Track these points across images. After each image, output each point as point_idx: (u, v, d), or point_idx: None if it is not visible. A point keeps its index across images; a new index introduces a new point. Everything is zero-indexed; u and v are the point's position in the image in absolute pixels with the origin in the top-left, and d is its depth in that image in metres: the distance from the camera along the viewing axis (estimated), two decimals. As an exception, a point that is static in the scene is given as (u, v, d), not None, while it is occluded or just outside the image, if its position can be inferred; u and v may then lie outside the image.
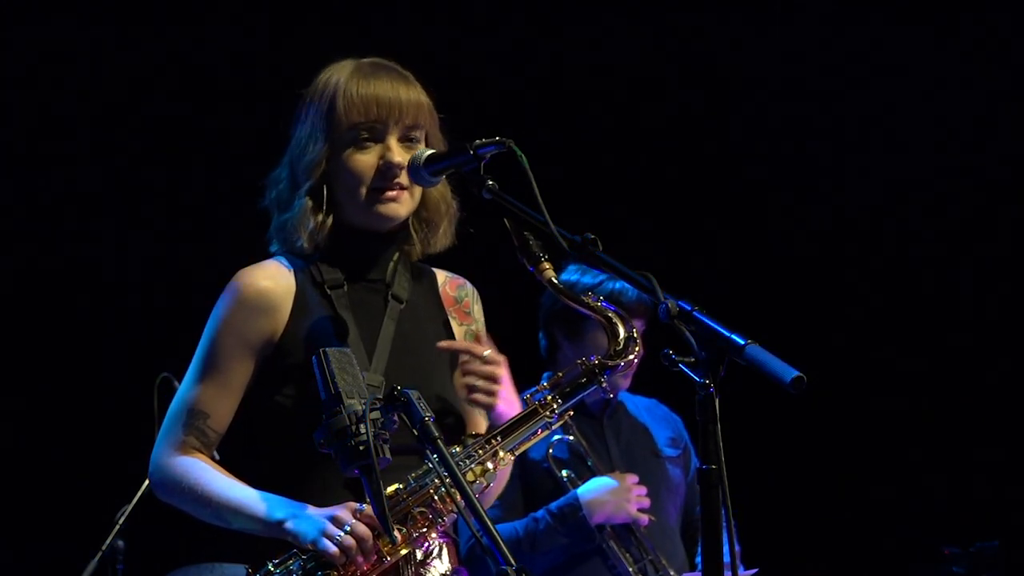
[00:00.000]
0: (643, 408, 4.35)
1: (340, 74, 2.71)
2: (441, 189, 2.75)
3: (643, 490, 4.01)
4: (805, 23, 5.69)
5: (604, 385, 2.60)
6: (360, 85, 2.67)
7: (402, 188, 2.66)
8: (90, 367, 5.04)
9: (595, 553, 4.02)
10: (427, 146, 2.70)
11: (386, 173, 2.65)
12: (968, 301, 5.83)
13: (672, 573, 4.04)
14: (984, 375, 5.79)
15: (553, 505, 4.01)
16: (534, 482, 4.08)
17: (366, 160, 2.66)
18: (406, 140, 2.68)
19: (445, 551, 2.63)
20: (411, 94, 2.69)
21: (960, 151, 5.71)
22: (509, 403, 2.64)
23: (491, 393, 2.61)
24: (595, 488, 3.99)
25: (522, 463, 4.01)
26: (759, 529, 4.35)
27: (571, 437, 4.09)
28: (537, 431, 2.59)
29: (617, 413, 4.27)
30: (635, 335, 2.60)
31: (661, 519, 4.11)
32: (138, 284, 5.12)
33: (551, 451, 4.08)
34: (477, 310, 2.86)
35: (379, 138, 2.67)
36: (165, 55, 5.14)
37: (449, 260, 2.86)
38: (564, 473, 4.06)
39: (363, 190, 2.66)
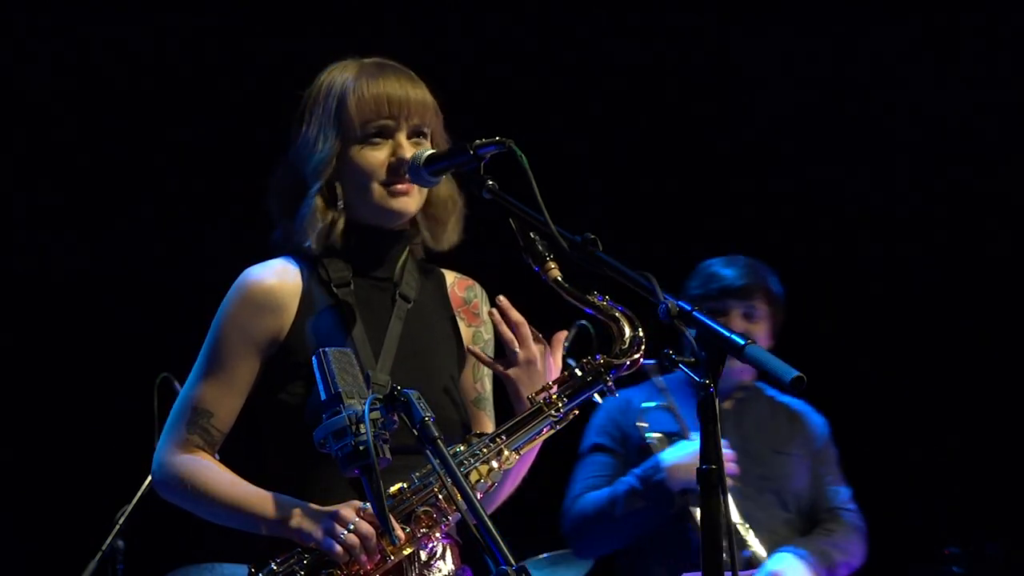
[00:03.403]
0: (784, 403, 4.29)
1: (346, 73, 2.72)
2: (448, 187, 2.76)
3: (730, 453, 3.93)
4: (805, 19, 5.69)
5: (610, 384, 2.59)
6: (370, 84, 2.68)
7: (412, 183, 2.67)
8: (90, 367, 5.04)
9: (675, 529, 4.00)
10: (432, 145, 2.72)
11: (398, 169, 2.66)
12: (969, 300, 5.83)
13: (753, 550, 3.98)
14: (985, 375, 5.79)
15: (637, 469, 4.01)
16: (631, 449, 4.11)
17: (377, 157, 2.67)
18: (415, 137, 2.70)
19: (449, 552, 2.63)
20: (419, 93, 2.71)
21: (964, 150, 5.71)
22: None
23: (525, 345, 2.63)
24: (678, 453, 3.97)
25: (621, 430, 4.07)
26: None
27: (665, 404, 4.09)
28: (543, 430, 2.58)
29: (748, 400, 4.22)
30: (641, 334, 2.60)
31: (766, 514, 4.08)
32: (138, 284, 5.12)
33: (643, 416, 4.08)
34: (486, 312, 2.85)
35: (389, 136, 2.68)
36: (164, 54, 5.15)
37: (455, 259, 2.86)
38: (654, 435, 4.05)
39: (374, 186, 2.67)
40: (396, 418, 2.34)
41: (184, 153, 5.13)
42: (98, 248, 5.11)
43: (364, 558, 2.47)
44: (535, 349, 2.66)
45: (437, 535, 2.54)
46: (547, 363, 2.67)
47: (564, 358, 2.83)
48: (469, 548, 2.66)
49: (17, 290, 5.06)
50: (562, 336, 2.73)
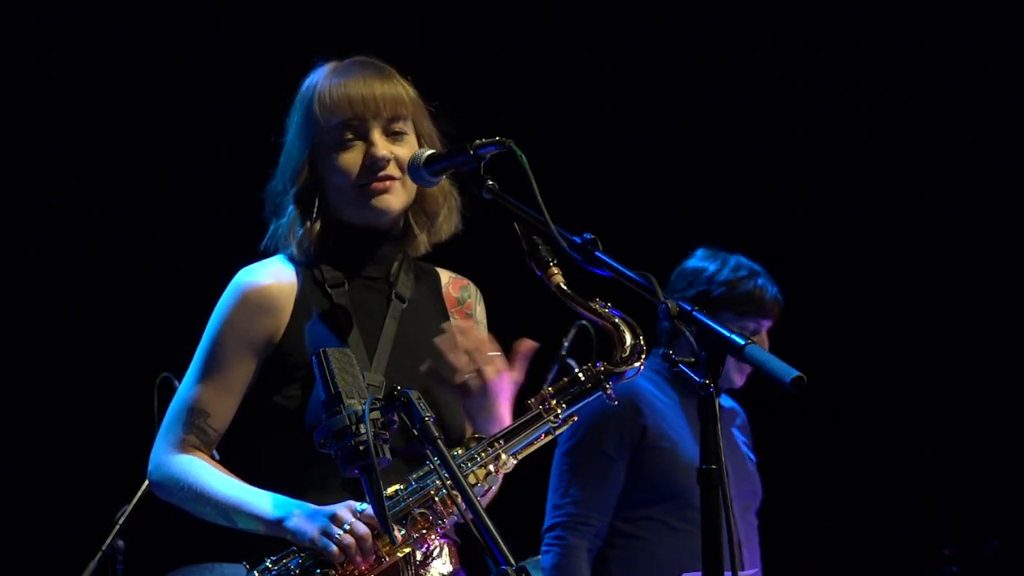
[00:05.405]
0: (729, 406, 4.27)
1: (317, 77, 2.73)
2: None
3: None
4: (805, 17, 5.69)
5: (609, 392, 2.58)
6: (334, 86, 2.68)
7: (392, 179, 2.67)
8: (90, 367, 5.04)
9: None
10: (417, 137, 2.71)
11: (372, 167, 2.66)
12: (969, 301, 5.83)
13: None
14: (984, 375, 5.79)
15: None
16: None
17: (351, 158, 2.67)
18: (390, 133, 2.69)
19: (446, 552, 2.63)
20: (387, 88, 2.69)
21: (966, 152, 5.71)
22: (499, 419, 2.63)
23: (480, 372, 2.60)
24: None
25: None
26: (759, 529, 4.35)
27: None
28: (540, 436, 2.58)
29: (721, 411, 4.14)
30: (642, 342, 2.59)
31: (749, 522, 4.09)
32: (138, 284, 5.12)
33: None
34: (480, 312, 2.86)
35: (362, 135, 2.67)
36: (166, 52, 5.15)
37: (452, 259, 2.86)
38: None
39: (352, 187, 2.67)
40: (396, 418, 2.35)
41: (185, 152, 5.13)
42: (98, 247, 5.11)
43: (360, 558, 2.48)
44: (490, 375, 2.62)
45: (433, 537, 2.54)
46: (503, 383, 2.64)
47: (564, 358, 2.84)
48: (467, 548, 2.66)
49: (16, 290, 5.06)
50: (525, 347, 2.69)
